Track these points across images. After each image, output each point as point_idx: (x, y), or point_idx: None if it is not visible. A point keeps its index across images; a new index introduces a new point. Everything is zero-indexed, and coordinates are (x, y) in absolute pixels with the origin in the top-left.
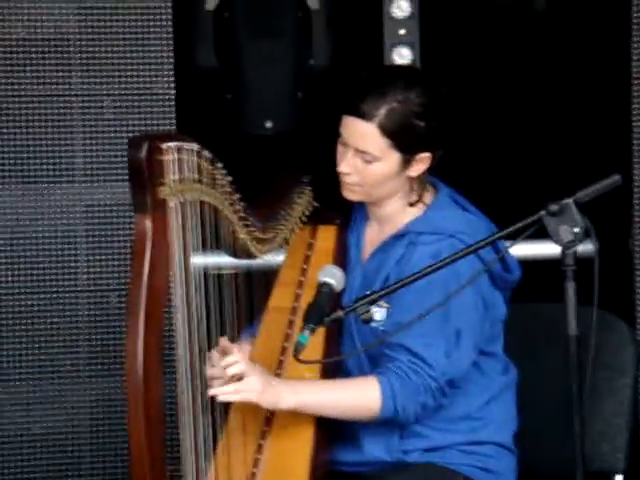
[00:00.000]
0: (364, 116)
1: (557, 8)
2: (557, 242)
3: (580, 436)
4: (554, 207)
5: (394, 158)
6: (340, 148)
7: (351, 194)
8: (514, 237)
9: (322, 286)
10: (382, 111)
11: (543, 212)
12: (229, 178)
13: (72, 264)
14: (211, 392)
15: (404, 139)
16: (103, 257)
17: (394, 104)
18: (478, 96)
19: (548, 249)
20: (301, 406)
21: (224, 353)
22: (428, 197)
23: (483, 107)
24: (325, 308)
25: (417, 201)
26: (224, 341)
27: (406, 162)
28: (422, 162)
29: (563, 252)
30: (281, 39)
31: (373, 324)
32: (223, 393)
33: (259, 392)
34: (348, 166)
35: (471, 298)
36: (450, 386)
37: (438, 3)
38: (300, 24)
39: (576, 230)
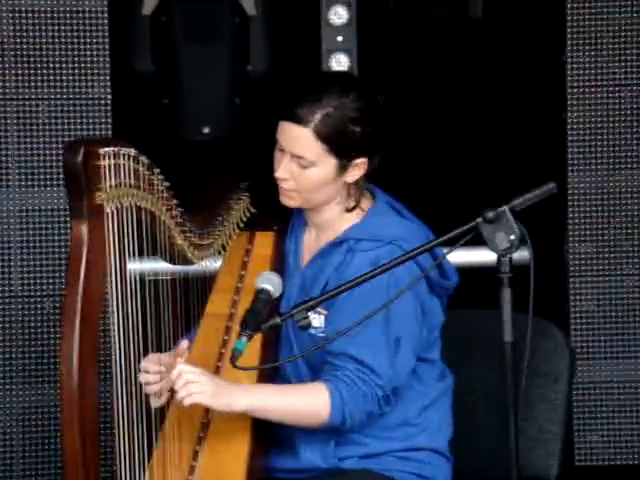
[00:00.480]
0: (299, 121)
1: (493, 16)
2: (493, 249)
3: (515, 442)
4: (490, 214)
5: (330, 163)
6: (277, 154)
7: (288, 200)
8: (451, 244)
9: (259, 292)
10: (317, 116)
11: (479, 219)
12: (167, 184)
13: (6, 269)
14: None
15: (340, 144)
16: (37, 263)
17: (329, 109)
18: (415, 102)
19: (484, 256)
20: (253, 408)
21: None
22: (366, 204)
23: (420, 114)
24: (262, 314)
25: (355, 207)
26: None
27: (342, 167)
28: (358, 168)
29: (499, 259)
30: (218, 44)
31: (311, 330)
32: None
33: (211, 395)
34: (285, 171)
35: (410, 305)
36: (394, 394)
37: (375, 10)
38: (237, 30)
39: (512, 237)
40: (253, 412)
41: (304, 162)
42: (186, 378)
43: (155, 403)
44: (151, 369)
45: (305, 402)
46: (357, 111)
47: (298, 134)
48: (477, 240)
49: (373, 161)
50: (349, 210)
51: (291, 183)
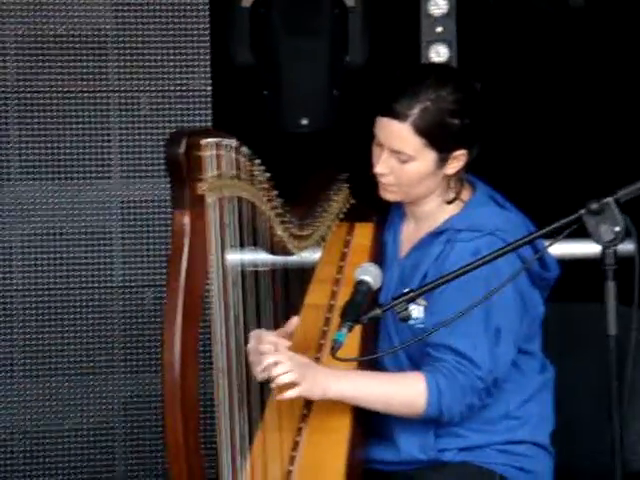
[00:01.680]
0: (398, 116)
1: (595, 4)
2: (597, 241)
3: (619, 437)
4: (594, 206)
5: (429, 157)
6: (375, 149)
7: (388, 194)
8: (553, 235)
9: (359, 284)
10: (415, 110)
11: (583, 211)
12: (267, 175)
13: (107, 260)
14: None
15: (438, 137)
16: (138, 254)
17: (427, 103)
18: (516, 93)
19: (587, 248)
20: (347, 395)
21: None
22: (466, 195)
23: (521, 104)
24: (362, 306)
25: (455, 199)
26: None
27: (442, 160)
28: (458, 160)
29: (603, 251)
30: (317, 36)
31: (411, 322)
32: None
33: (301, 377)
34: (384, 167)
35: (511, 296)
36: (495, 386)
37: (475, 0)
38: (336, 21)
39: (617, 229)
40: (348, 399)
41: (403, 157)
42: (275, 359)
43: (258, 375)
44: (265, 339)
45: (401, 391)
46: (455, 103)
47: (397, 129)
48: (580, 232)
49: (472, 152)
50: (449, 202)
51: (391, 178)
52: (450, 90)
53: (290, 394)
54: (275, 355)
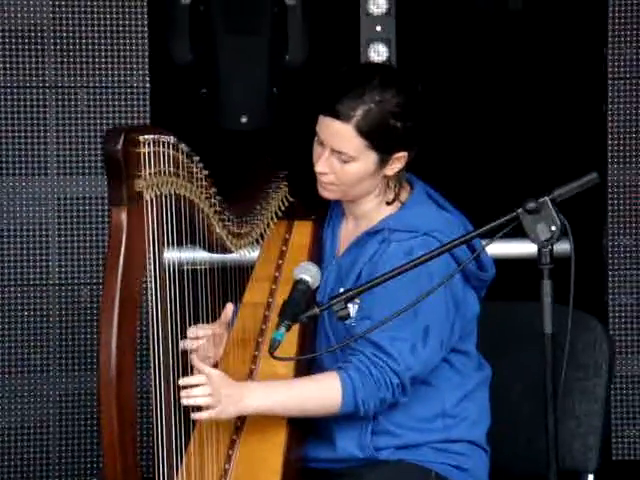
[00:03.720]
0: (341, 117)
1: (533, 7)
2: (534, 240)
3: (554, 435)
4: (531, 205)
5: (371, 158)
6: (316, 148)
7: (327, 193)
8: (491, 235)
9: (298, 283)
10: (359, 112)
11: (520, 210)
12: (206, 172)
13: (44, 257)
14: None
15: (381, 139)
16: (75, 251)
17: (371, 105)
18: (453, 93)
19: (523, 248)
20: (262, 409)
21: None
22: (404, 194)
23: (458, 104)
24: (301, 305)
25: (394, 200)
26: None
27: (383, 161)
28: (398, 161)
29: (540, 250)
30: (257, 35)
31: (347, 321)
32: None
33: (219, 411)
34: (325, 166)
35: (441, 296)
36: (413, 383)
37: (414, 0)
38: (276, 20)
39: (553, 228)
40: (265, 412)
41: (344, 157)
42: (194, 382)
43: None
44: (199, 333)
45: (315, 394)
46: (398, 106)
47: (339, 130)
48: (517, 231)
49: (412, 153)
50: (388, 203)
51: (331, 177)
52: (394, 92)
53: (203, 416)
54: (191, 378)
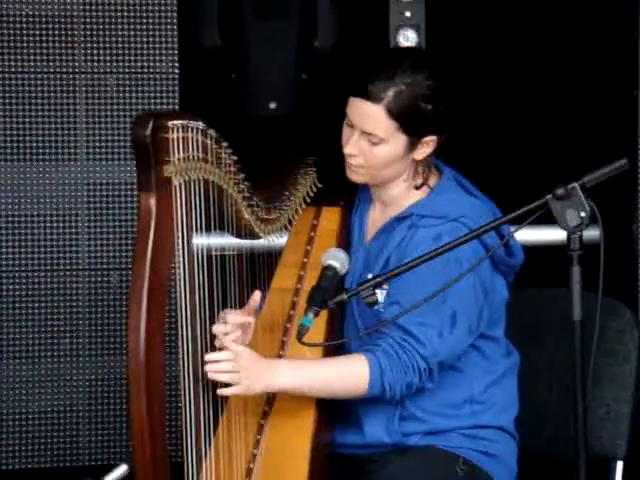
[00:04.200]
0: (371, 98)
1: None
2: (563, 226)
3: (583, 422)
4: (561, 191)
5: (400, 141)
6: (346, 129)
7: (355, 176)
8: (520, 221)
9: (326, 269)
10: (390, 93)
11: (549, 196)
12: (234, 157)
13: (73, 242)
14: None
15: (411, 122)
16: (104, 236)
17: (402, 87)
18: (483, 79)
19: (553, 234)
20: (289, 387)
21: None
22: (433, 180)
23: (488, 90)
24: (329, 291)
25: (422, 184)
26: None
27: (412, 145)
28: (428, 145)
29: (569, 236)
30: (286, 20)
31: (375, 306)
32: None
33: (245, 387)
34: (354, 148)
35: (470, 282)
36: (441, 369)
37: None
38: (305, 5)
39: (582, 214)
40: (291, 391)
41: (374, 139)
42: (217, 358)
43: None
44: (229, 318)
45: (343, 374)
46: (429, 89)
47: (370, 111)
48: (546, 218)
49: (442, 138)
50: (417, 188)
51: (360, 159)
52: (425, 75)
53: (228, 391)
54: (218, 354)
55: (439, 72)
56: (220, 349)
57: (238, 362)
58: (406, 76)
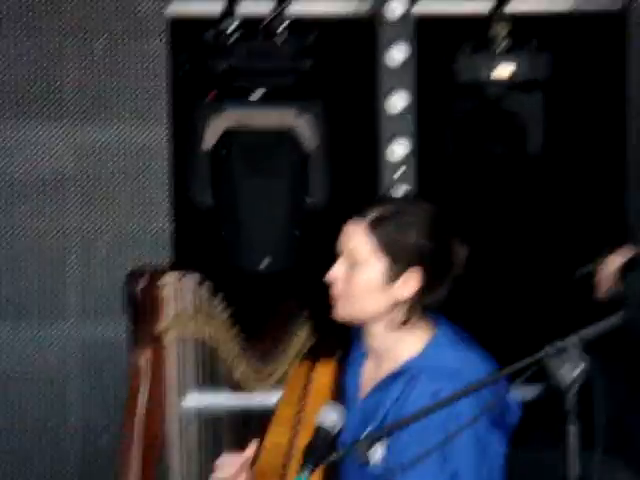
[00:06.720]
0: (358, 215)
1: (552, 151)
2: (558, 383)
3: None
4: (555, 347)
5: (381, 263)
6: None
7: (335, 310)
8: (515, 376)
9: (319, 430)
10: (375, 213)
11: (545, 352)
12: (227, 312)
13: (63, 402)
14: None
15: (391, 243)
16: (95, 395)
17: (390, 208)
18: (475, 230)
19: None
20: None
21: None
22: (428, 334)
23: (479, 238)
24: (324, 448)
25: (404, 323)
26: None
27: (393, 274)
28: (411, 281)
29: (564, 395)
30: (278, 177)
31: (372, 464)
32: None
33: None
34: (335, 271)
35: (470, 439)
36: None
37: (434, 146)
38: (297, 163)
39: (577, 371)
40: None
41: (354, 260)
42: None
43: None
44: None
45: None
46: (416, 219)
47: (353, 227)
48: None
49: (428, 281)
50: (400, 326)
51: (339, 286)
52: (415, 210)
53: None
54: None
55: (431, 212)
56: None
57: None
58: (393, 205)
